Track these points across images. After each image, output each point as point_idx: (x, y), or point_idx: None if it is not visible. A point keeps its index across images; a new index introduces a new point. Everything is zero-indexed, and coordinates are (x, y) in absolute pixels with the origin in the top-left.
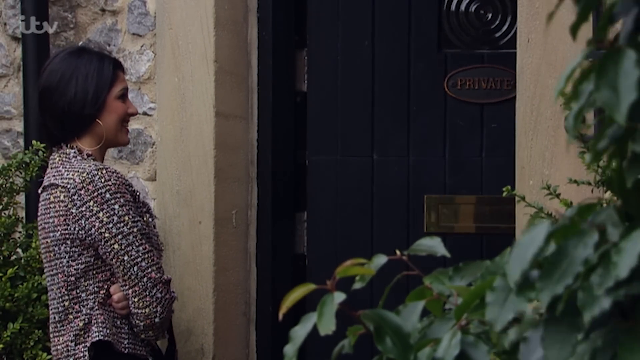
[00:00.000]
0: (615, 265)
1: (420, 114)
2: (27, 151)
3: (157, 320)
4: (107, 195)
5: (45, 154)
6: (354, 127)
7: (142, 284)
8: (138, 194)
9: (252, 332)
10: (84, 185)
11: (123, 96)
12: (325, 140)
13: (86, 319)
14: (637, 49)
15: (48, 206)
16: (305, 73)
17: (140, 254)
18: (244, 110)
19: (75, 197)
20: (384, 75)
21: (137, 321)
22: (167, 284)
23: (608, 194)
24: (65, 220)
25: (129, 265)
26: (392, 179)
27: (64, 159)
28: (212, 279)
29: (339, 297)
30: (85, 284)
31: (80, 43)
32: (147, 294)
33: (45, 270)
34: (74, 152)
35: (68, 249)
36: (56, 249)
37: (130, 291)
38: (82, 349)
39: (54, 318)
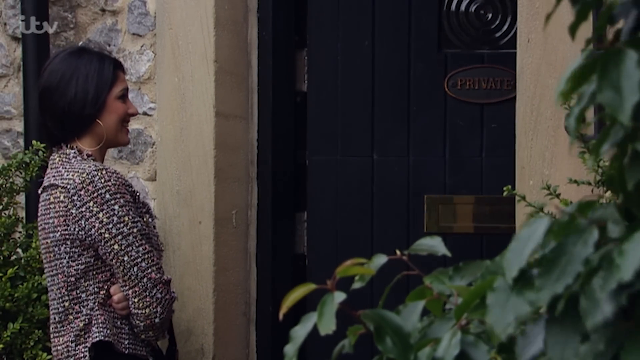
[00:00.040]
0: (618, 268)
1: (420, 114)
2: (27, 151)
3: (157, 320)
4: (107, 196)
5: (45, 154)
6: (354, 127)
7: (142, 284)
8: (138, 194)
9: (252, 332)
10: (84, 185)
11: (123, 96)
12: (325, 140)
13: (86, 320)
14: (638, 49)
15: (48, 206)
16: (305, 73)
17: (140, 255)
18: (244, 110)
19: (75, 198)
20: (384, 75)
21: (137, 321)
22: (167, 284)
23: (608, 194)
24: (65, 220)
25: (129, 266)
26: (392, 179)
27: (64, 159)
28: (212, 279)
29: (339, 296)
30: (86, 285)
31: (80, 43)
32: (147, 294)
33: (45, 271)
34: (74, 153)
35: (68, 249)
36: (56, 249)
37: (130, 291)
38: (83, 350)
39: (54, 318)
